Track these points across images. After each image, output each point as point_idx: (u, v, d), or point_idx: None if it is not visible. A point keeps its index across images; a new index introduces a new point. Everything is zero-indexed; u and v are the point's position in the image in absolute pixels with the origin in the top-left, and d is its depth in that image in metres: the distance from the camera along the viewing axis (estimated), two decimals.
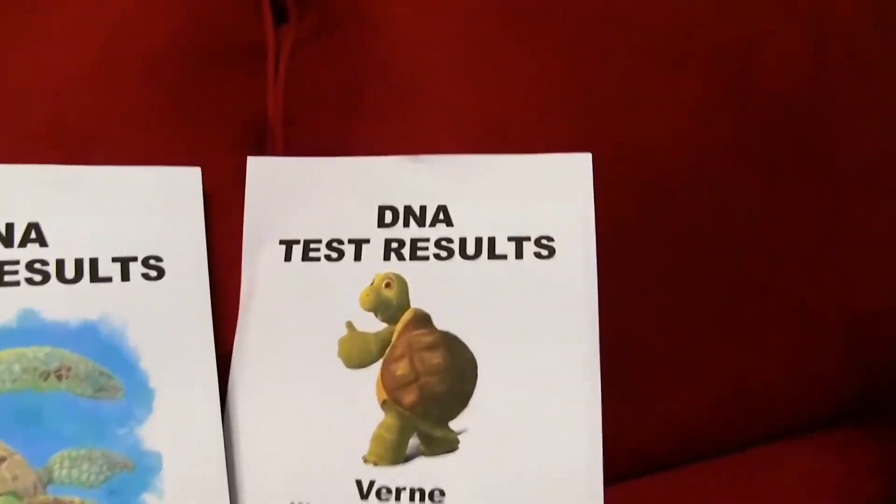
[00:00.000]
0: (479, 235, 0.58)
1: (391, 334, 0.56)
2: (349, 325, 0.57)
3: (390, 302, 0.56)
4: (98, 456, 0.51)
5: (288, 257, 0.59)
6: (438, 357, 0.55)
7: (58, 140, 0.57)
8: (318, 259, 0.59)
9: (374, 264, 0.59)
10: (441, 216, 0.58)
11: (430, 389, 0.55)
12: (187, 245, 0.57)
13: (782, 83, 0.66)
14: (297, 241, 0.60)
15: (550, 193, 0.58)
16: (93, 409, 0.52)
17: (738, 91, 0.64)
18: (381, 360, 0.56)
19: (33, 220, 0.54)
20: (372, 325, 0.57)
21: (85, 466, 0.50)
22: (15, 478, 0.48)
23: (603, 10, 0.63)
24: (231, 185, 0.62)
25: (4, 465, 0.48)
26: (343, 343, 0.57)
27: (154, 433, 0.53)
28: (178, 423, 0.53)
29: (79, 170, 0.56)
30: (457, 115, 0.61)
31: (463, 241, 0.57)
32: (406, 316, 0.56)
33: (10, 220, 0.53)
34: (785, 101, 0.66)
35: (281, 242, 0.60)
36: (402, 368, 0.55)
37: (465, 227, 0.58)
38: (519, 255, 0.57)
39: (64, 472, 0.50)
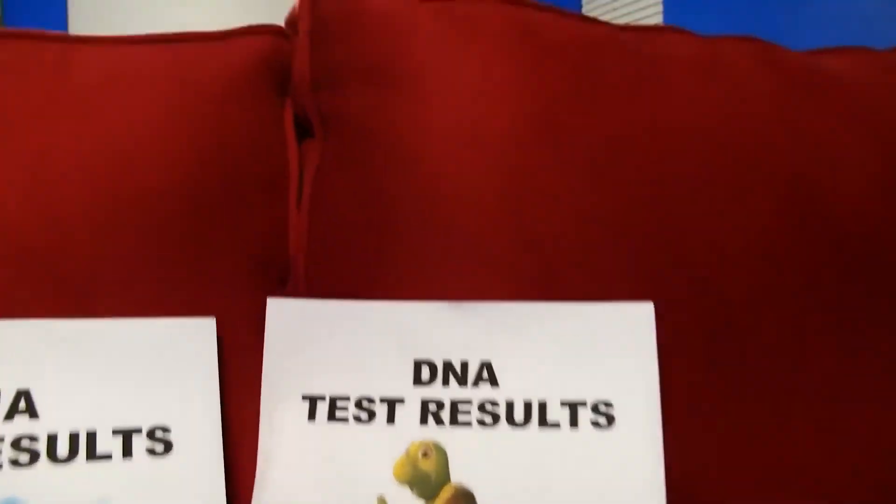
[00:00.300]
0: (528, 399, 0.51)
1: None
2: (381, 500, 0.49)
3: (428, 476, 0.50)
4: None
5: (312, 416, 0.52)
6: None
7: (54, 288, 0.50)
8: (345, 420, 0.52)
9: (409, 429, 0.52)
10: (485, 374, 0.52)
11: None
12: (199, 411, 0.50)
13: (854, 211, 0.60)
14: (323, 398, 0.53)
15: (608, 348, 0.51)
16: None
17: (807, 221, 0.58)
18: None
19: (23, 386, 0.46)
20: (407, 501, 0.49)
21: None
22: None
23: (660, 141, 0.57)
24: (248, 331, 0.55)
25: None
26: None
27: None
28: None
29: (77, 324, 0.49)
30: (501, 257, 0.55)
31: (510, 406, 0.51)
32: (445, 493, 0.50)
33: None
34: (857, 232, 0.60)
35: (304, 398, 0.53)
36: None
37: (513, 387, 0.51)
38: (574, 423, 0.50)
39: None
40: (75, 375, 0.48)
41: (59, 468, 0.46)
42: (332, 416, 0.52)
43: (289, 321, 0.54)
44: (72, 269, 0.51)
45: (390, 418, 0.52)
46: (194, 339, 0.51)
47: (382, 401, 0.52)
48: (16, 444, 0.46)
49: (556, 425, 0.50)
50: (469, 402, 0.51)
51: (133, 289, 0.52)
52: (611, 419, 0.50)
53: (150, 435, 0.48)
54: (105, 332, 0.49)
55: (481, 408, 0.51)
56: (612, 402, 0.51)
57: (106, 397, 0.48)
